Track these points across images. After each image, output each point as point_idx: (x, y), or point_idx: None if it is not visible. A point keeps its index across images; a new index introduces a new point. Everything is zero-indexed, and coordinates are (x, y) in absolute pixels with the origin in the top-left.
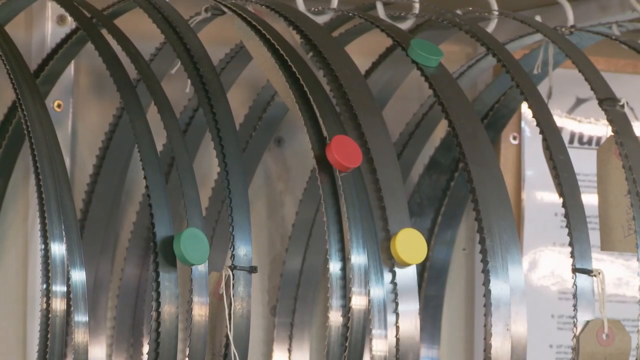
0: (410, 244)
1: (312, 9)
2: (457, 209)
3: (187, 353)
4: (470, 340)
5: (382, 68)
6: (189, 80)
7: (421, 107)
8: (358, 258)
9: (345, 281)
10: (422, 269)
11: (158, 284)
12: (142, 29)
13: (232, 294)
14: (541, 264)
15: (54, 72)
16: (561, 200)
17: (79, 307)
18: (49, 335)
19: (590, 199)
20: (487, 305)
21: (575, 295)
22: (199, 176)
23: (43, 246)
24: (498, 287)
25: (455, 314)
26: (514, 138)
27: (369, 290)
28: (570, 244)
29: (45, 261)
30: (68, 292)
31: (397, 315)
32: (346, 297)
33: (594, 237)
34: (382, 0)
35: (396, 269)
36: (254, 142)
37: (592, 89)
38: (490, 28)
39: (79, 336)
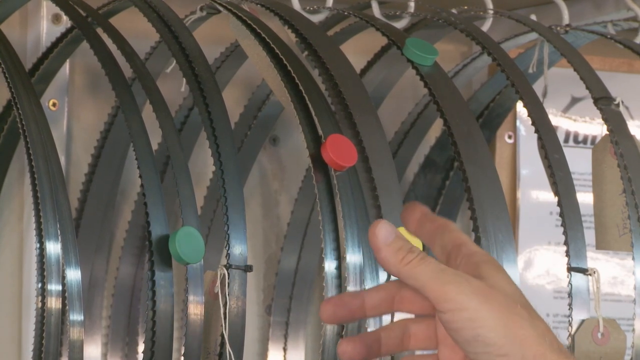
0: None
1: (308, 7)
2: (452, 208)
3: (183, 352)
4: None
5: (377, 67)
6: (184, 79)
7: (416, 106)
8: (353, 257)
9: (341, 280)
10: None
11: (153, 282)
12: (137, 28)
13: (227, 293)
14: (536, 263)
15: (49, 71)
16: (556, 199)
17: (74, 306)
18: (44, 334)
19: (585, 198)
20: None
21: (570, 294)
22: (194, 175)
23: (38, 245)
24: None
25: None
26: (509, 137)
27: (364, 290)
28: (566, 243)
29: (40, 260)
30: (63, 291)
31: (392, 314)
32: None
33: (589, 236)
34: None
35: None
36: (249, 141)
37: (587, 87)
38: (486, 27)
39: (74, 335)
